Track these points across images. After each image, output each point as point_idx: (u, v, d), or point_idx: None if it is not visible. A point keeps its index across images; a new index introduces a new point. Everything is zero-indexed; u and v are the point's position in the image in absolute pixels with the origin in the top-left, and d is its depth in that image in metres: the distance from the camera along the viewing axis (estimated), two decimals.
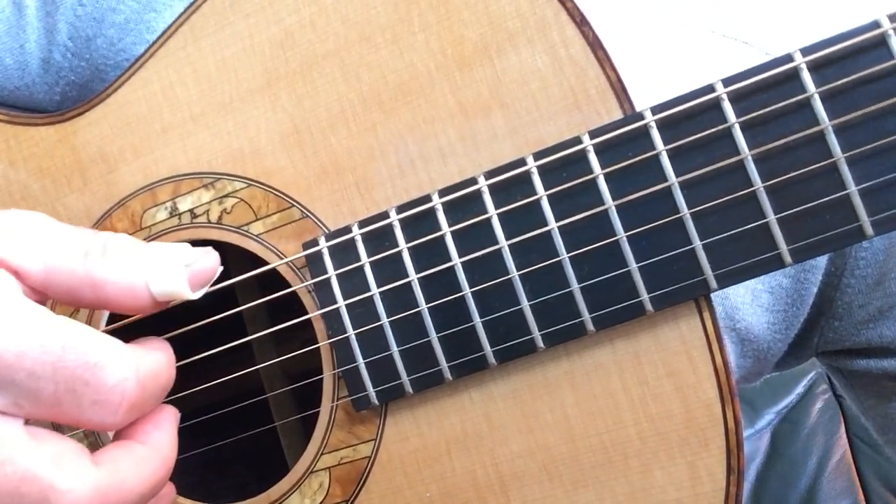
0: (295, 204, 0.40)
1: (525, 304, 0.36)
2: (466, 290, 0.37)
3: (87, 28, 0.49)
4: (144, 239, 0.43)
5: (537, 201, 0.35)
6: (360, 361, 0.38)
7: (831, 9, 0.45)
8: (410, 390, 0.38)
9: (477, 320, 0.37)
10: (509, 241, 0.36)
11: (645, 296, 0.35)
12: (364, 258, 0.38)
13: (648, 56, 0.45)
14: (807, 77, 0.32)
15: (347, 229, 0.38)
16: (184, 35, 0.42)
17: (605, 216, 0.35)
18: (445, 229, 0.37)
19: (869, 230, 0.32)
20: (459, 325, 0.37)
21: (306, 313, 0.40)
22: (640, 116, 0.34)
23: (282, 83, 0.40)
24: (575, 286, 0.35)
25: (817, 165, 0.32)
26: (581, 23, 0.36)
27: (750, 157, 0.33)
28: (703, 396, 0.35)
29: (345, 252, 0.38)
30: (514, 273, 0.36)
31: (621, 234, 0.35)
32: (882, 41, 0.31)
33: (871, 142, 0.32)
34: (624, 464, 0.36)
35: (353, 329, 0.38)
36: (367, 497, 0.40)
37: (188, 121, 0.42)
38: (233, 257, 0.51)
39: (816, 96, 0.32)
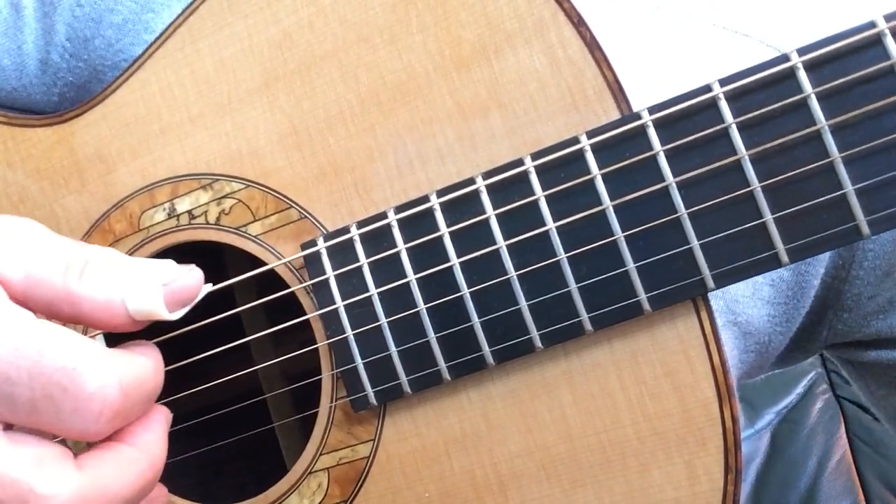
0: (293, 205, 0.40)
1: (523, 304, 0.36)
2: (465, 291, 0.37)
3: (85, 29, 0.49)
4: (142, 240, 0.44)
5: (535, 201, 0.35)
6: (359, 362, 0.38)
7: (829, 0, 0.45)
8: (409, 390, 0.38)
9: (475, 320, 0.37)
10: (507, 242, 0.36)
11: (643, 295, 0.35)
12: (362, 259, 0.38)
13: (648, 48, 0.46)
14: (803, 77, 0.32)
15: (346, 230, 0.38)
16: (182, 36, 0.42)
17: (602, 216, 0.35)
18: (444, 230, 0.37)
19: (865, 229, 0.32)
20: (458, 326, 0.37)
21: (305, 314, 0.40)
22: (638, 116, 0.34)
23: (280, 84, 0.40)
24: (573, 286, 0.35)
25: (814, 165, 0.32)
26: (578, 23, 0.36)
27: (747, 157, 0.33)
28: (700, 396, 0.35)
29: (343, 253, 0.38)
30: (513, 273, 0.36)
31: (619, 233, 0.35)
32: (878, 41, 0.31)
33: (868, 141, 0.32)
34: (622, 463, 0.36)
35: (352, 329, 0.38)
36: (365, 497, 0.40)
37: (186, 122, 0.42)
38: (231, 258, 0.51)
39: (813, 96, 0.32)
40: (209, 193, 0.42)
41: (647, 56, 0.45)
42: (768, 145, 0.33)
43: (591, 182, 0.35)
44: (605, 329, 0.36)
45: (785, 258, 0.33)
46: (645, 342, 0.36)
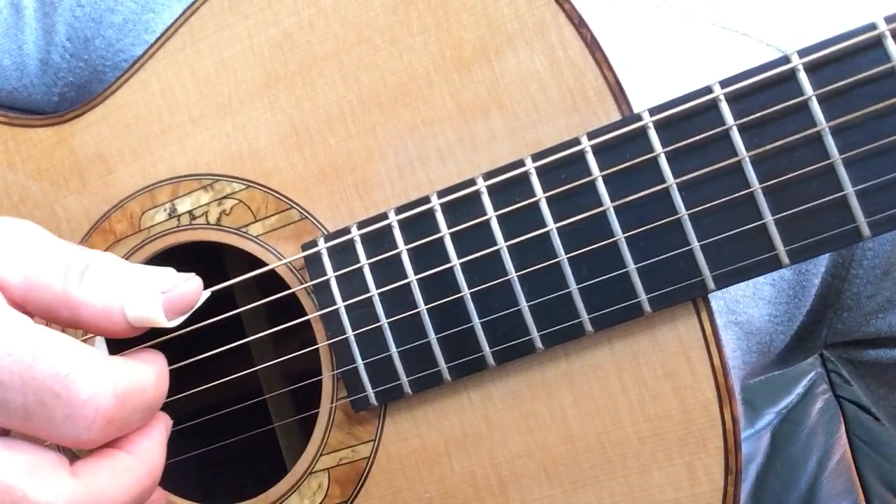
0: (294, 205, 0.40)
1: (524, 304, 0.36)
2: (465, 291, 0.37)
3: (85, 29, 0.49)
4: (143, 241, 0.44)
5: (536, 202, 0.35)
6: (360, 362, 0.38)
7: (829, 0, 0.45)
8: (409, 391, 0.38)
9: (476, 321, 0.37)
10: (508, 243, 0.36)
11: (643, 296, 0.35)
12: (363, 259, 0.38)
13: (648, 48, 0.46)
14: (804, 78, 0.32)
15: (346, 230, 0.38)
16: (182, 37, 0.42)
17: (603, 217, 0.35)
18: (444, 230, 0.37)
19: (866, 231, 0.32)
20: (458, 326, 0.37)
21: (305, 314, 0.40)
22: (638, 118, 0.34)
23: (281, 85, 0.40)
24: (573, 287, 0.35)
25: (814, 166, 0.32)
26: (579, 24, 0.36)
27: (747, 159, 0.33)
28: (701, 397, 0.35)
29: (344, 253, 0.38)
30: (513, 274, 0.36)
31: (620, 235, 0.35)
32: (878, 43, 0.31)
33: (868, 143, 0.32)
34: (622, 464, 0.36)
35: (353, 330, 0.38)
36: (366, 498, 0.40)
37: (187, 122, 0.42)
38: (231, 258, 0.51)
39: (814, 98, 0.32)
40: (210, 194, 0.42)
41: (647, 56, 0.45)
42: (769, 147, 0.33)
43: (592, 183, 0.35)
44: (605, 330, 0.36)
45: (785, 259, 0.33)
46: (645, 343, 0.36)
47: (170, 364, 0.33)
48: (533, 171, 0.35)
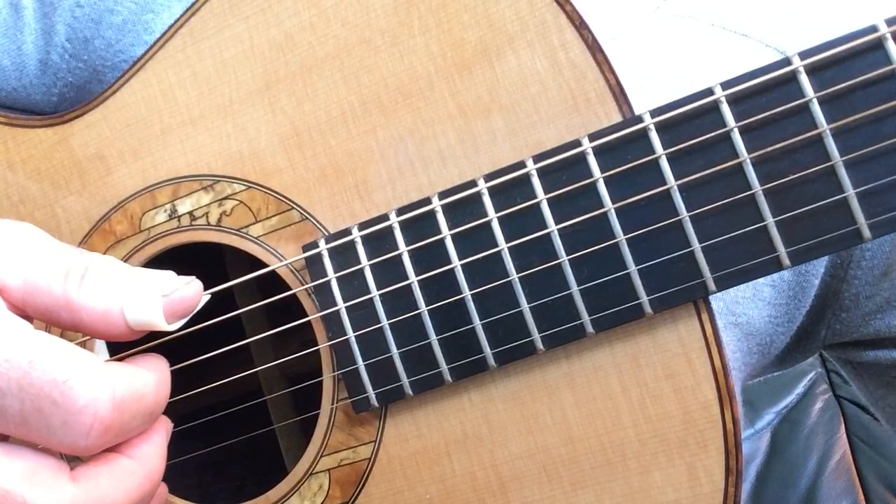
0: (294, 206, 0.40)
1: (525, 306, 0.36)
2: (466, 293, 0.37)
3: (84, 29, 0.49)
4: (143, 241, 0.44)
5: (537, 204, 0.35)
6: (360, 363, 0.38)
7: (829, 1, 0.45)
8: (410, 392, 0.38)
9: (477, 322, 0.37)
10: (509, 244, 0.36)
11: (644, 298, 0.35)
12: (364, 260, 0.38)
13: (648, 49, 0.46)
14: (805, 80, 0.32)
15: (347, 231, 0.38)
16: (183, 37, 0.42)
17: (604, 219, 0.35)
18: (445, 232, 0.37)
19: (867, 233, 0.32)
20: (459, 328, 0.37)
21: (305, 315, 0.40)
22: (639, 119, 0.34)
23: (281, 85, 0.40)
24: (574, 288, 0.35)
25: (815, 168, 0.32)
26: (580, 26, 0.36)
27: (748, 160, 0.33)
28: (701, 398, 0.35)
29: (345, 254, 0.38)
30: (514, 275, 0.36)
31: (620, 236, 0.35)
32: (879, 45, 0.31)
33: (869, 145, 0.32)
34: (623, 465, 0.36)
35: (353, 331, 0.38)
36: (366, 499, 0.40)
37: (187, 123, 0.42)
38: (232, 259, 0.51)
39: (815, 100, 0.32)
40: (210, 195, 0.42)
41: (647, 57, 0.45)
42: (770, 148, 0.33)
43: (593, 185, 0.35)
44: (606, 331, 0.36)
45: (786, 261, 0.33)
46: (646, 344, 0.36)
47: (170, 365, 0.33)
48: (534, 173, 0.35)
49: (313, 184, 0.40)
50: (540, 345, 0.36)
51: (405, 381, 0.38)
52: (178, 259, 0.43)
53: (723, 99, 0.33)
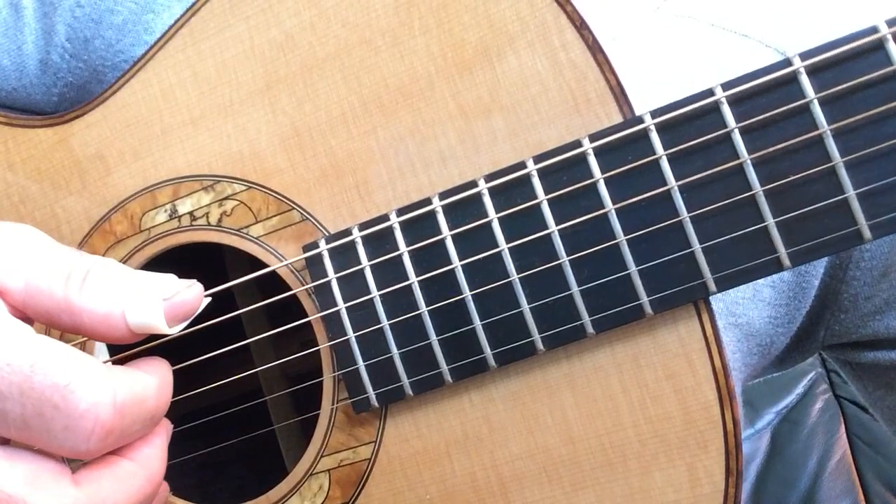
0: (295, 206, 0.40)
1: (525, 306, 0.36)
2: (467, 293, 0.37)
3: (85, 29, 0.49)
4: (143, 241, 0.44)
5: (537, 204, 0.35)
6: (361, 364, 0.38)
7: (829, 1, 0.45)
8: (410, 392, 0.38)
9: (477, 323, 0.37)
10: (509, 244, 0.36)
11: (644, 298, 0.35)
12: (364, 261, 0.38)
13: (648, 49, 0.46)
14: (805, 81, 0.32)
15: (347, 232, 0.38)
16: (183, 37, 0.42)
17: (605, 219, 0.35)
18: (446, 232, 0.37)
19: (867, 234, 0.32)
20: (460, 328, 0.37)
21: (305, 316, 0.40)
22: (640, 120, 0.34)
23: (282, 86, 0.40)
24: (575, 289, 0.35)
25: (816, 169, 0.32)
26: (581, 26, 0.36)
27: (749, 161, 0.33)
28: (701, 399, 0.35)
29: (345, 255, 0.38)
30: (515, 276, 0.36)
31: (621, 237, 0.35)
32: (880, 46, 0.31)
33: (870, 146, 0.32)
34: (623, 466, 0.36)
35: (354, 331, 0.38)
36: (366, 499, 0.40)
37: (188, 123, 0.42)
38: (232, 259, 0.51)
39: (815, 101, 0.32)
40: (211, 195, 0.42)
41: (647, 57, 0.45)
42: (770, 149, 0.33)
43: (594, 185, 0.35)
44: (606, 332, 0.36)
45: (787, 262, 0.33)
46: (646, 345, 0.36)
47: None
48: (534, 173, 0.35)
49: (314, 184, 0.40)
50: (540, 345, 0.36)
51: (405, 381, 0.38)
52: (179, 259, 0.43)
53: (723, 100, 0.33)
